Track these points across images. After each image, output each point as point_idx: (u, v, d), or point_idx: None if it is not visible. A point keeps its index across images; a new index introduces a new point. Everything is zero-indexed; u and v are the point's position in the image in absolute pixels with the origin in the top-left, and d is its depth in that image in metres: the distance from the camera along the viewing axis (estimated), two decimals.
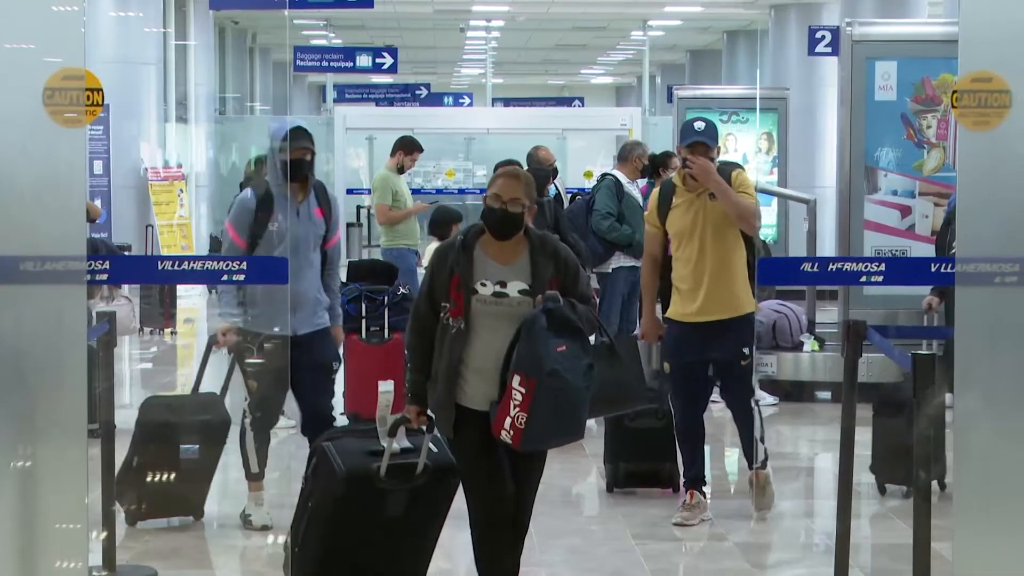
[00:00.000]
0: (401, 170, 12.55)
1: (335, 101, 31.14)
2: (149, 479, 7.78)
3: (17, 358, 5.45)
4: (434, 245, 8.98)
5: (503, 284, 5.70)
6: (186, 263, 6.68)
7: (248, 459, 7.92)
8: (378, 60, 25.77)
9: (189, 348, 15.66)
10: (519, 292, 5.70)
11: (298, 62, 27.08)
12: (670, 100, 22.17)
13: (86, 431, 5.58)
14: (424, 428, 5.94)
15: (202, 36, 24.72)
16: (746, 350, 7.81)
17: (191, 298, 17.77)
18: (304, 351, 7.52)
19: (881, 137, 11.86)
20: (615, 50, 37.70)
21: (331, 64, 26.82)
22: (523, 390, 5.45)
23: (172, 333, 15.53)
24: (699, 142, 7.81)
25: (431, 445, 6.09)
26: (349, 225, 27.56)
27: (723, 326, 7.76)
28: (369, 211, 24.28)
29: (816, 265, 6.91)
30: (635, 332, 10.08)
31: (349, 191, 27.99)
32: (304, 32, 32.08)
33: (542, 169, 12.43)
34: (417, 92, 31.37)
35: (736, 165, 8.29)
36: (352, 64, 26.03)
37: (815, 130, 21.52)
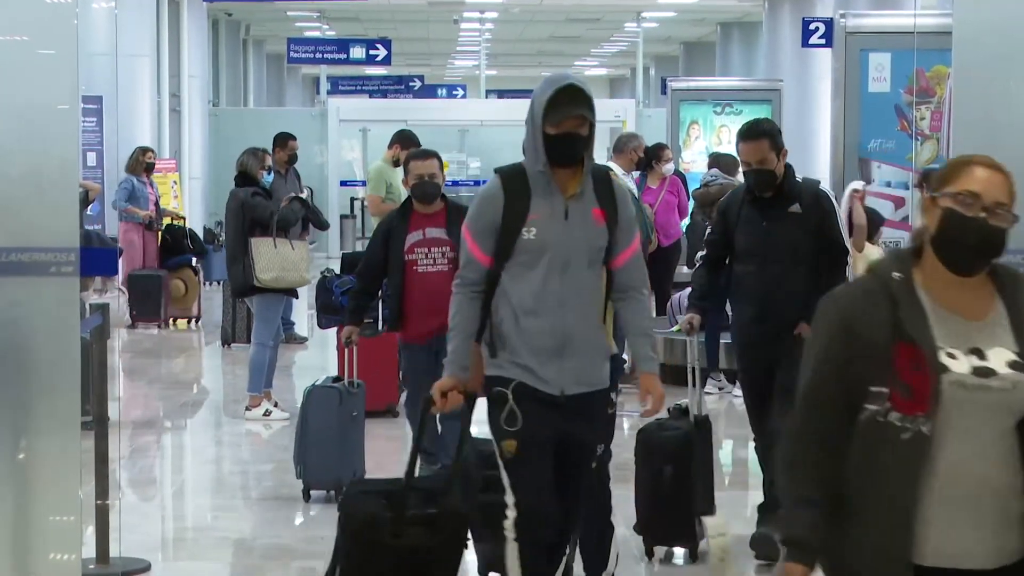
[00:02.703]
0: (397, 163, 12.53)
1: (329, 93, 31.12)
2: None
3: (10, 350, 5.44)
4: None
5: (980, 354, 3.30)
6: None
7: None
8: (372, 52, 25.75)
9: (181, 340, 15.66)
10: (1009, 366, 3.28)
11: (292, 54, 27.06)
12: (664, 92, 22.14)
13: (79, 423, 5.58)
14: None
15: (196, 28, 24.67)
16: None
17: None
18: (571, 421, 5.08)
19: (875, 128, 11.87)
20: (609, 42, 37.67)
21: (325, 56, 26.80)
22: None
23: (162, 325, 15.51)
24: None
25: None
26: (343, 217, 27.59)
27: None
28: (363, 203, 24.27)
29: None
30: None
31: (343, 183, 27.99)
32: (298, 24, 32.04)
33: None
34: (411, 84, 31.35)
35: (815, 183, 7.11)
36: (346, 56, 26.01)
37: (809, 122, 21.48)
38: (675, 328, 9.99)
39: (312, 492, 8.02)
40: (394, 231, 7.90)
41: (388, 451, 9.05)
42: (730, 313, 7.13)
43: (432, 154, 8.12)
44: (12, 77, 5.40)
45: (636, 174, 11.91)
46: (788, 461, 3.38)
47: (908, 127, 11.88)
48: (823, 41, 18.80)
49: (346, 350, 8.20)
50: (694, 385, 6.89)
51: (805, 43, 19.29)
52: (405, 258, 7.76)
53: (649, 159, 11.58)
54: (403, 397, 9.01)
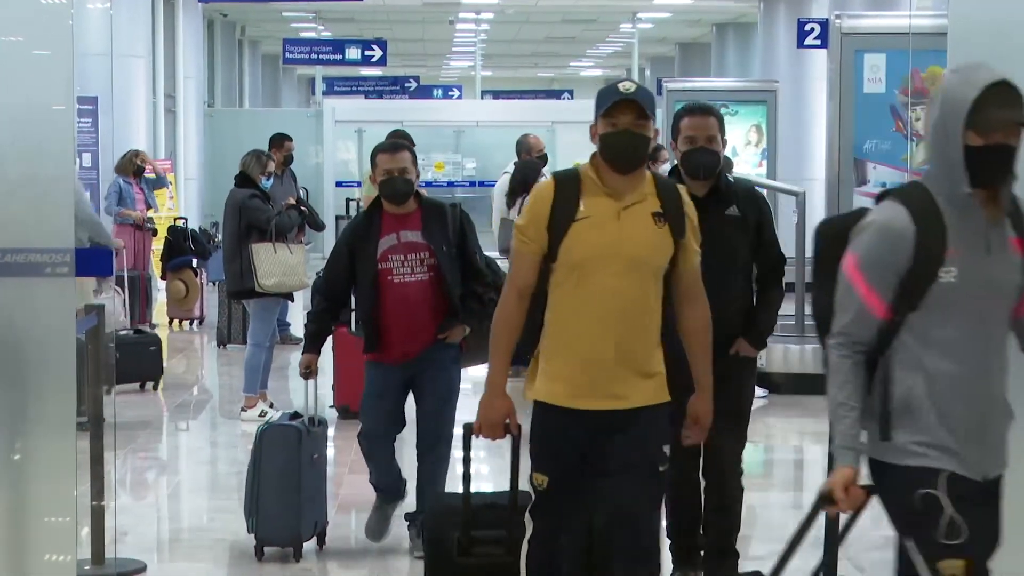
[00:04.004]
0: None
1: (324, 94, 31.10)
2: None
3: (5, 351, 5.44)
4: None
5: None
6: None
7: None
8: (367, 53, 25.76)
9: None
10: None
11: (287, 55, 27.06)
12: (659, 93, 22.15)
13: (75, 424, 5.58)
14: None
15: (191, 28, 24.67)
16: None
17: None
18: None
19: (870, 129, 11.87)
20: (604, 43, 37.68)
21: (320, 57, 26.81)
22: None
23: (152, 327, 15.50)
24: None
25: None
26: (338, 218, 27.57)
27: None
28: (358, 204, 24.25)
29: None
30: None
31: (338, 184, 27.96)
32: (293, 25, 32.04)
33: (531, 160, 12.44)
34: (406, 85, 31.33)
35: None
36: (341, 57, 26.02)
37: (804, 122, 21.49)
38: None
39: (266, 549, 6.91)
40: (361, 236, 6.79)
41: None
42: None
43: (402, 147, 6.91)
44: (7, 77, 5.40)
45: None
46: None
47: (903, 128, 11.88)
48: (818, 42, 18.84)
49: (308, 380, 6.94)
50: None
51: (800, 44, 19.33)
52: (378, 267, 6.69)
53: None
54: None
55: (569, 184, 4.78)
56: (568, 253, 4.72)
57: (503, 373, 4.86)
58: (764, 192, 6.66)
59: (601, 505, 4.75)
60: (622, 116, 4.70)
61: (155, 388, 11.95)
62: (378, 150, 6.90)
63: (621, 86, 4.76)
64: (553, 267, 4.76)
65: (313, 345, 6.91)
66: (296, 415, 7.07)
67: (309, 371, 6.87)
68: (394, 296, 6.70)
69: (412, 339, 6.73)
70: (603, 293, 4.68)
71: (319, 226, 13.10)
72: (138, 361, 11.63)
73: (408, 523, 7.07)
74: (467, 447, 5.21)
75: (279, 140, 13.76)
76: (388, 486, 6.98)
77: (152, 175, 16.18)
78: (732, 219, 6.00)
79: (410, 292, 6.70)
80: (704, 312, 4.92)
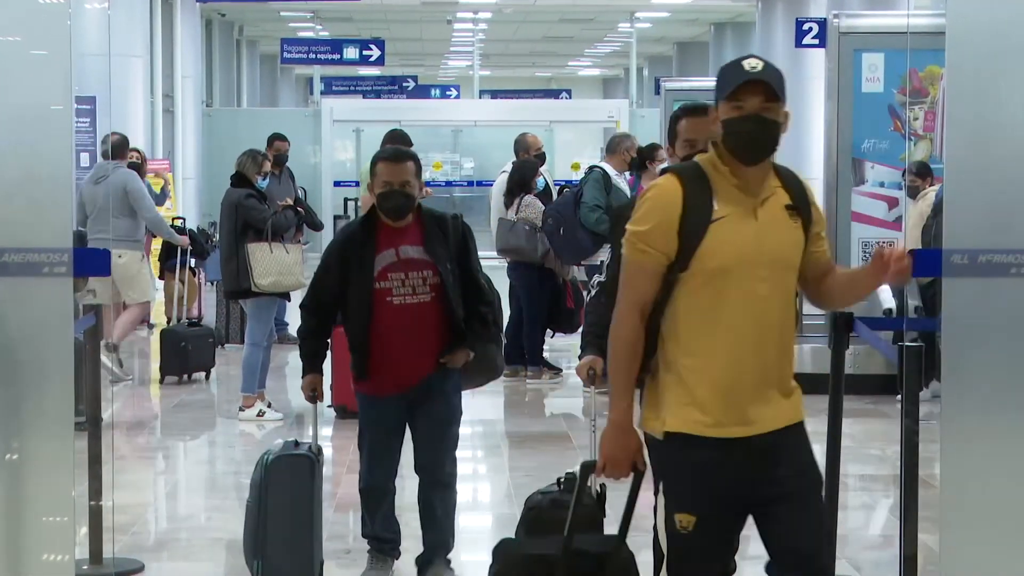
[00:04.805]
0: None
1: (322, 93, 31.11)
2: None
3: (2, 351, 5.44)
4: None
5: None
6: None
7: None
8: (365, 52, 25.76)
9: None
10: None
11: (285, 54, 27.07)
12: (657, 92, 22.16)
13: (73, 424, 5.57)
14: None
15: (189, 28, 24.67)
16: None
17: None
18: None
19: (868, 129, 11.87)
20: (602, 42, 37.68)
21: (318, 56, 26.81)
22: None
23: (150, 326, 15.49)
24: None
25: None
26: (336, 217, 27.58)
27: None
28: (356, 203, 24.27)
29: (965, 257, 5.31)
30: None
31: (336, 183, 27.98)
32: (291, 24, 32.05)
33: (528, 160, 12.44)
34: (404, 84, 31.34)
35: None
36: (339, 56, 26.02)
37: (802, 122, 21.47)
38: None
39: None
40: (355, 251, 6.10)
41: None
42: None
43: (406, 156, 6.22)
44: (5, 78, 5.39)
45: (629, 175, 11.92)
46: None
47: (901, 127, 11.88)
48: (816, 41, 18.82)
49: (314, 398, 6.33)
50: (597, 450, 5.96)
51: (798, 43, 19.31)
52: (375, 286, 6.02)
53: (643, 159, 11.58)
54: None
55: (696, 180, 4.14)
56: (705, 260, 4.08)
57: (629, 407, 4.19)
58: None
59: (772, 546, 4.24)
60: (749, 99, 4.14)
61: (207, 379, 12.48)
62: (379, 157, 6.25)
63: (747, 63, 4.19)
64: (681, 277, 4.11)
65: (312, 365, 6.28)
66: (296, 443, 6.25)
67: (315, 393, 6.25)
68: (392, 320, 6.05)
69: (410, 368, 6.12)
70: (747, 302, 4.09)
71: (317, 226, 13.11)
72: (199, 353, 12.38)
73: (419, 568, 6.43)
74: (580, 489, 4.63)
75: (271, 140, 13.85)
76: (389, 541, 6.40)
77: (158, 189, 16.23)
78: None
79: (410, 315, 6.05)
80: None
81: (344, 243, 6.18)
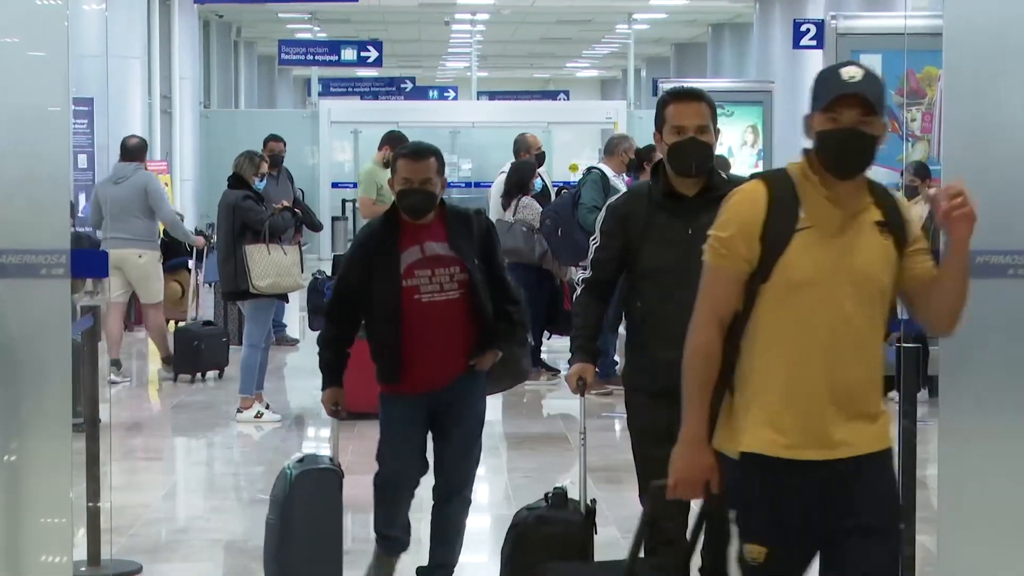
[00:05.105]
0: (387, 164, 12.53)
1: (320, 95, 31.12)
2: None
3: (1, 352, 5.44)
4: None
5: None
6: None
7: None
8: (363, 54, 25.77)
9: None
10: None
11: (283, 56, 27.07)
12: (655, 93, 22.17)
13: (71, 425, 5.58)
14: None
15: (186, 29, 24.68)
16: None
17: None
18: None
19: None
20: (600, 43, 37.70)
21: (316, 58, 26.83)
22: None
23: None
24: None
25: None
26: (335, 219, 27.59)
27: None
28: (354, 205, 24.29)
29: None
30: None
31: (334, 184, 28.00)
32: (289, 25, 32.05)
33: (526, 160, 12.44)
34: (402, 86, 31.36)
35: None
36: (337, 58, 26.03)
37: (800, 123, 21.51)
38: None
39: None
40: (378, 250, 5.90)
41: None
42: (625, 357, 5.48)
43: (428, 153, 5.93)
44: (2, 79, 5.40)
45: (627, 176, 11.92)
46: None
47: (899, 128, 11.89)
48: (814, 42, 18.83)
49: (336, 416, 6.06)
50: (586, 464, 5.63)
51: (796, 44, 19.32)
52: (403, 284, 5.81)
53: (640, 161, 11.57)
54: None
55: (783, 185, 3.93)
56: (787, 270, 3.85)
57: (705, 423, 3.94)
58: None
59: None
60: (845, 111, 3.88)
61: (220, 377, 12.55)
62: (399, 154, 6.00)
63: (844, 73, 3.90)
64: (763, 289, 3.88)
65: (332, 378, 6.00)
66: (306, 458, 5.98)
67: (337, 407, 5.96)
68: (421, 318, 5.82)
69: (441, 367, 5.90)
70: (832, 319, 3.85)
71: (316, 227, 13.11)
72: (212, 352, 12.52)
73: None
74: (650, 514, 4.31)
75: (265, 141, 13.91)
76: (397, 537, 6.16)
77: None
78: None
79: (439, 313, 5.84)
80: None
81: (366, 242, 5.98)
